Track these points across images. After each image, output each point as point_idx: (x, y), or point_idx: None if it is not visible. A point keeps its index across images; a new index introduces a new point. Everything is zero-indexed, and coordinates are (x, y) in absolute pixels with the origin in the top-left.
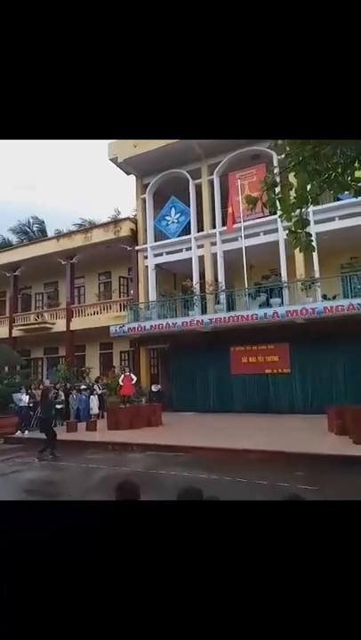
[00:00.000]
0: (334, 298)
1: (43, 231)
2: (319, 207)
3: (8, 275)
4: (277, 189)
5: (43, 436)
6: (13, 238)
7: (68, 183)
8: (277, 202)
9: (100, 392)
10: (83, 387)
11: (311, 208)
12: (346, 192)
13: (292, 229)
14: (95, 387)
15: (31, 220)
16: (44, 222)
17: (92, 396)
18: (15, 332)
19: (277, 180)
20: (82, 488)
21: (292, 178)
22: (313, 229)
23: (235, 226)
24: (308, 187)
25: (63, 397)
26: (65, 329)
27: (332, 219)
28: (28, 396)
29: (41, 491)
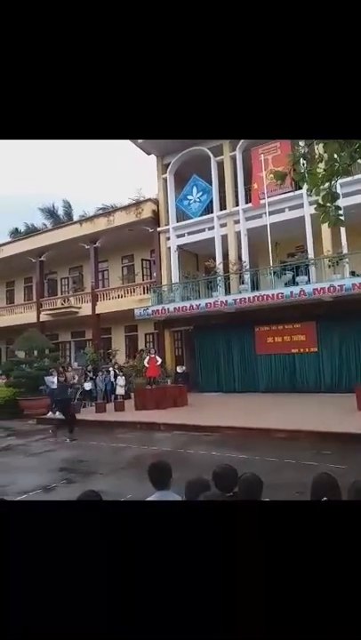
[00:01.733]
0: None
1: (69, 215)
2: (347, 179)
3: (34, 260)
4: (304, 162)
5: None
6: (40, 220)
7: (88, 168)
8: (306, 175)
9: (118, 375)
10: (105, 369)
11: (339, 181)
12: None
13: (321, 203)
14: (112, 370)
15: (57, 205)
16: (70, 206)
17: (118, 378)
18: (43, 317)
19: (305, 151)
20: (113, 466)
21: (320, 149)
22: (341, 203)
23: (260, 202)
24: (339, 157)
25: (90, 379)
26: (90, 313)
27: None
28: (57, 379)
29: (75, 469)
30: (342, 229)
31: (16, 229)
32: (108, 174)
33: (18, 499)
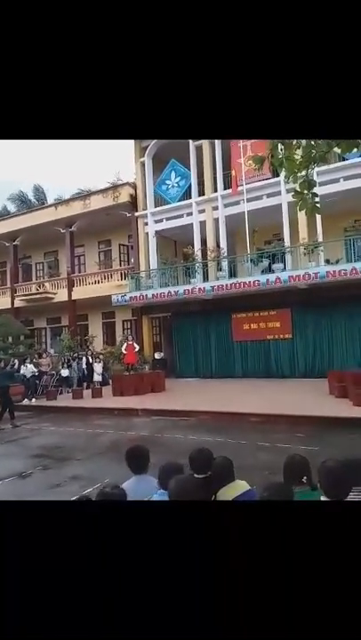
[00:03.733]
0: (337, 262)
1: (42, 201)
2: (324, 168)
3: (7, 244)
4: (283, 148)
5: (49, 403)
6: (12, 208)
7: (64, 151)
8: (284, 161)
9: (92, 362)
10: (76, 356)
11: (316, 169)
12: (354, 150)
13: (298, 190)
14: (84, 357)
15: (27, 191)
16: (43, 191)
17: (95, 364)
18: (17, 303)
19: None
20: (90, 452)
21: None
22: (318, 191)
23: (238, 189)
24: (316, 144)
25: (67, 366)
26: (67, 298)
27: (337, 180)
28: (32, 365)
29: (51, 455)
30: (318, 218)
31: None
32: (83, 157)
33: None
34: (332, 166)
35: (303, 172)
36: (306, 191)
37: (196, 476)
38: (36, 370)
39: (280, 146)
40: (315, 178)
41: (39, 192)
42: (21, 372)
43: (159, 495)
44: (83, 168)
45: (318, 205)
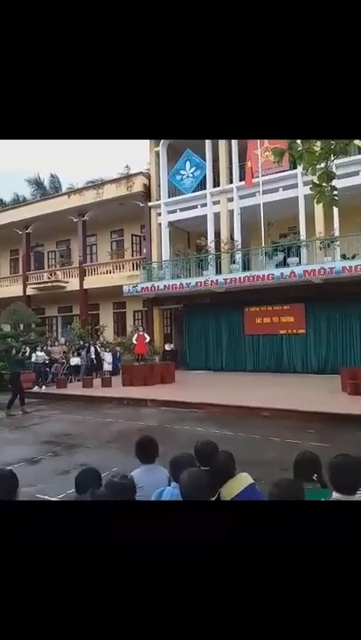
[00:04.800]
0: (354, 257)
1: (57, 189)
2: (343, 160)
3: (20, 232)
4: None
5: (59, 391)
6: (27, 194)
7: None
8: (304, 153)
9: (100, 351)
10: (86, 345)
11: (336, 161)
12: None
13: (317, 182)
14: (92, 347)
15: (43, 177)
16: (59, 180)
17: (105, 354)
18: (29, 291)
19: None
20: (99, 440)
21: None
22: (336, 184)
23: (254, 180)
24: None
25: (77, 355)
26: (78, 288)
27: (356, 173)
28: (43, 353)
29: (61, 442)
30: (335, 212)
31: (0, 200)
32: (98, 147)
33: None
34: (351, 158)
35: (322, 164)
36: (325, 183)
37: (202, 468)
38: (47, 357)
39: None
40: (334, 170)
41: (54, 180)
42: (32, 359)
43: (172, 488)
44: (97, 158)
45: (337, 198)
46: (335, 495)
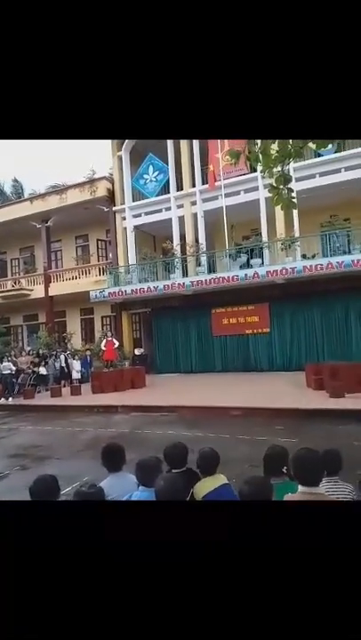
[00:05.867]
0: (314, 257)
1: (20, 195)
2: (299, 164)
3: None
4: (259, 143)
5: (26, 402)
6: None
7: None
8: (260, 156)
9: (69, 359)
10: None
11: (292, 165)
12: (329, 146)
13: (274, 185)
14: (62, 355)
15: (3, 182)
16: (21, 185)
17: (73, 362)
18: None
19: None
20: (69, 450)
21: None
22: (294, 187)
23: (216, 184)
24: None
25: (45, 364)
26: (43, 295)
27: (313, 176)
28: (10, 363)
29: (29, 454)
30: (295, 213)
31: None
32: (60, 152)
33: None
34: (308, 162)
35: (279, 167)
36: (282, 186)
37: (173, 471)
38: (13, 368)
39: (256, 140)
40: (291, 173)
41: (17, 185)
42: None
43: (140, 492)
44: (59, 162)
45: (294, 200)
46: (301, 488)
